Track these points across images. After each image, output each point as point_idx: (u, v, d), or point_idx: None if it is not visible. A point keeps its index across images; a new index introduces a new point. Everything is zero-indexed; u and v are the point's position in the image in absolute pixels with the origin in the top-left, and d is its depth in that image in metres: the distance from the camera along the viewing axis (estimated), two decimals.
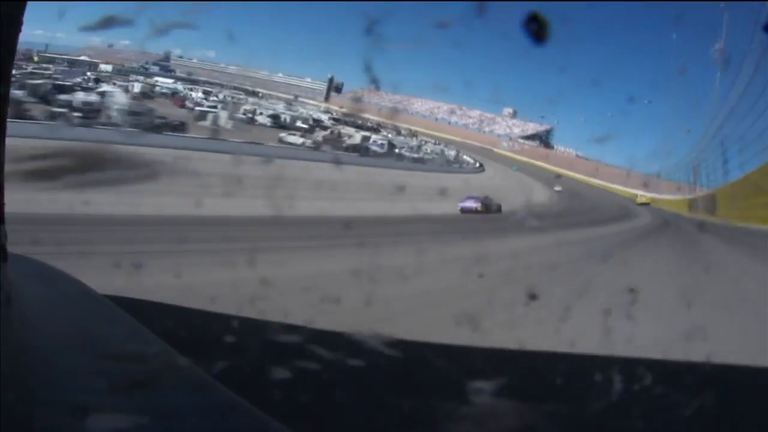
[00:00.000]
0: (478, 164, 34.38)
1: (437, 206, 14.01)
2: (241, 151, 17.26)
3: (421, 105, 44.25)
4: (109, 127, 16.79)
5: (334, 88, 44.16)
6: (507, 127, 42.86)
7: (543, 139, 41.00)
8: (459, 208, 16.16)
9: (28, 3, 0.95)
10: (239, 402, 0.82)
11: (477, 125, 43.27)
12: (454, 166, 32.46)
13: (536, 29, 2.10)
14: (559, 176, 33.83)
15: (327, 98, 43.29)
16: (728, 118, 23.87)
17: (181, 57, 43.11)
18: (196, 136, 19.73)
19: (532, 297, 5.09)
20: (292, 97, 40.69)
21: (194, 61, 43.52)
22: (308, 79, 44.65)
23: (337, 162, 20.53)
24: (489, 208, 16.76)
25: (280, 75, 44.17)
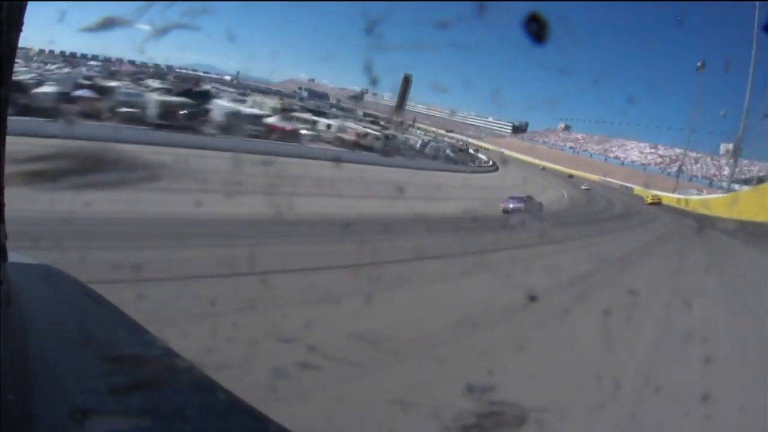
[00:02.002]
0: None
1: None
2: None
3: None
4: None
5: (518, 128, 46.64)
6: (639, 153, 38.50)
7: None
8: (501, 208, 16.41)
9: (28, 4, 0.96)
10: (240, 402, 0.82)
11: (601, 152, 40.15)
12: None
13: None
14: (571, 176, 34.45)
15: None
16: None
17: (375, 94, 48.13)
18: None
19: None
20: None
21: (386, 96, 47.65)
22: (491, 119, 47.17)
23: None
24: (531, 207, 16.93)
25: (472, 114, 47.89)
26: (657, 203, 27.12)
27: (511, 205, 16.53)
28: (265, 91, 38.06)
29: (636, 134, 40.73)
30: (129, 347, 1.01)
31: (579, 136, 43.12)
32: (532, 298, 4.88)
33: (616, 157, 39.21)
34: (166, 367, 0.92)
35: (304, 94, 45.20)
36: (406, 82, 43.40)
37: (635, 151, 38.95)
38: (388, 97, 46.27)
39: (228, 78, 40.11)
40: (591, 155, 40.64)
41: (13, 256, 1.07)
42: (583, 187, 30.53)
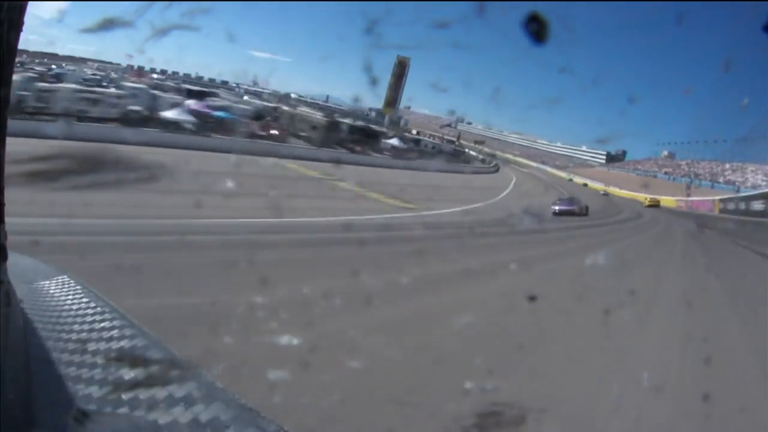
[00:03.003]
0: None
1: None
2: None
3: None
4: None
5: (614, 157, 42.72)
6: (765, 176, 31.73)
7: None
8: (553, 210, 18.55)
9: (28, 4, 0.96)
10: (240, 403, 0.82)
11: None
12: None
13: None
14: (606, 193, 33.89)
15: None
16: None
17: (469, 123, 46.44)
18: None
19: None
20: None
21: (479, 127, 46.27)
22: (584, 147, 43.06)
23: None
24: (581, 210, 19.40)
25: (559, 144, 44.00)
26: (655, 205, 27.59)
27: (561, 208, 18.88)
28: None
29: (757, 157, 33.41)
30: (129, 347, 1.01)
31: (683, 162, 37.56)
32: (532, 299, 4.94)
33: (728, 182, 33.51)
34: (166, 367, 0.92)
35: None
36: (401, 67, 35.60)
37: (758, 174, 32.59)
38: (481, 126, 45.43)
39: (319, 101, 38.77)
40: (692, 181, 34.75)
41: (13, 256, 1.07)
42: (601, 193, 32.88)
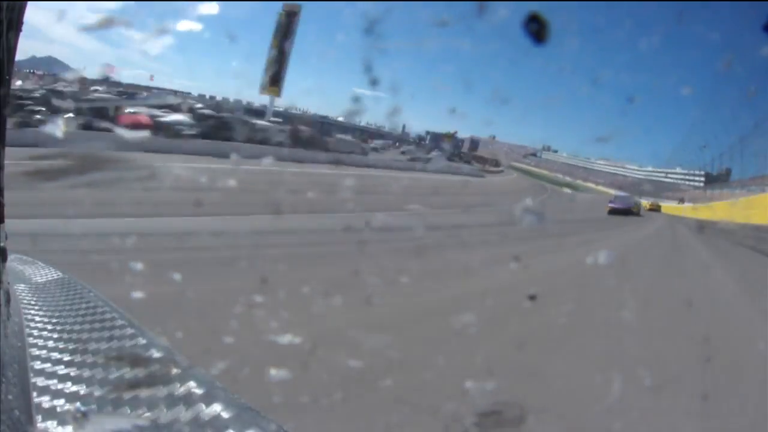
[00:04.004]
0: None
1: None
2: None
3: None
4: None
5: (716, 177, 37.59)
6: None
7: None
8: (609, 208, 17.90)
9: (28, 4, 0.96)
10: (239, 402, 0.82)
11: None
12: None
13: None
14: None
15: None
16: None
17: (555, 151, 42.04)
18: None
19: None
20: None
21: (564, 155, 41.89)
22: (678, 169, 35.00)
23: None
24: (634, 206, 19.12)
25: (650, 168, 37.53)
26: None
27: (617, 206, 18.31)
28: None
29: None
30: (130, 347, 1.01)
31: None
32: (532, 298, 4.91)
33: None
34: (167, 366, 0.93)
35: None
36: (289, 22, 22.61)
37: None
38: (566, 155, 43.84)
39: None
40: None
41: (13, 256, 1.07)
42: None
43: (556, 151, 45.78)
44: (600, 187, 36.41)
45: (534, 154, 45.69)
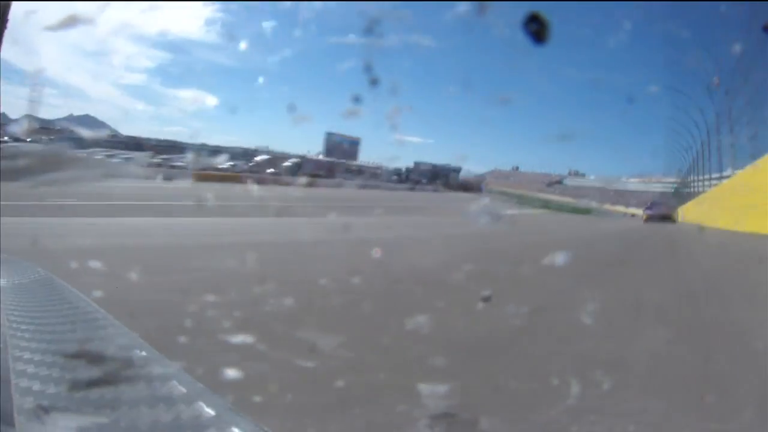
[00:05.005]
0: None
1: None
2: None
3: None
4: None
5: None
6: None
7: None
8: (645, 216, 16.38)
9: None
10: (221, 403, 0.83)
11: None
12: None
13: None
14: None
15: None
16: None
17: (583, 175, 43.64)
18: None
19: None
20: None
21: (592, 178, 43.20)
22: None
23: None
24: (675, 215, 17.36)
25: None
26: None
27: (653, 212, 16.76)
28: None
29: None
30: (111, 346, 1.01)
31: None
32: (486, 299, 4.81)
33: None
34: (148, 365, 0.93)
35: None
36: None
37: None
38: (593, 178, 42.52)
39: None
40: None
41: None
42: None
43: (583, 176, 44.48)
44: (631, 209, 32.81)
45: (559, 182, 44.19)
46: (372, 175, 38.19)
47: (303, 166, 33.55)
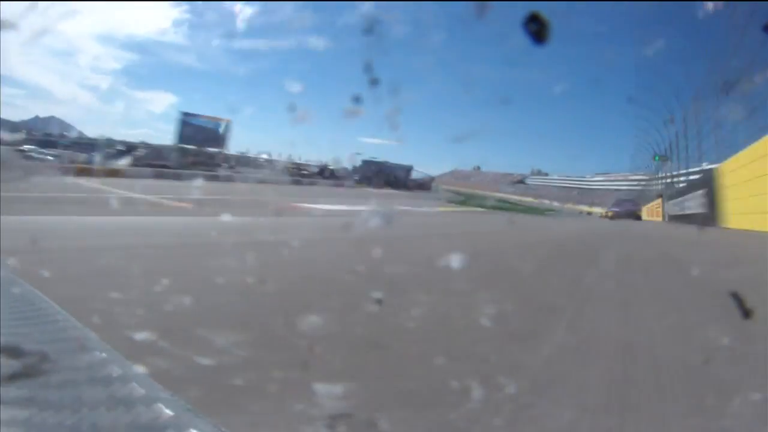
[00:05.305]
0: None
1: None
2: None
3: None
4: None
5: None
6: None
7: None
8: (612, 213, 15.89)
9: None
10: (180, 404, 0.84)
11: None
12: None
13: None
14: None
15: None
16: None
17: (546, 175, 44.36)
18: None
19: None
20: None
21: (556, 177, 43.52)
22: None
23: None
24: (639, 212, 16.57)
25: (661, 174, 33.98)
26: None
27: (620, 209, 16.42)
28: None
29: None
30: (71, 347, 1.01)
31: None
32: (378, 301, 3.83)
33: None
34: (107, 366, 0.94)
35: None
36: None
37: None
38: (556, 176, 43.26)
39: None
40: None
41: None
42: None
43: (546, 175, 43.90)
44: (593, 209, 31.34)
45: (521, 181, 43.72)
46: (256, 168, 34.81)
47: (149, 156, 30.20)
